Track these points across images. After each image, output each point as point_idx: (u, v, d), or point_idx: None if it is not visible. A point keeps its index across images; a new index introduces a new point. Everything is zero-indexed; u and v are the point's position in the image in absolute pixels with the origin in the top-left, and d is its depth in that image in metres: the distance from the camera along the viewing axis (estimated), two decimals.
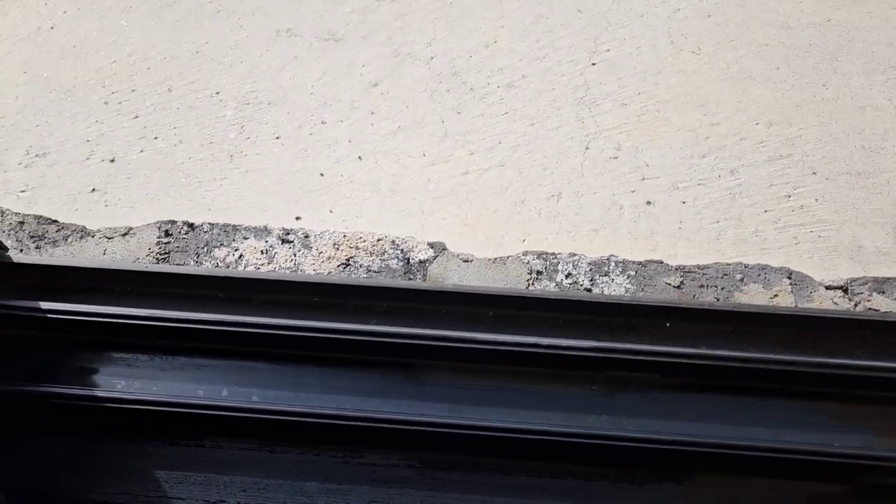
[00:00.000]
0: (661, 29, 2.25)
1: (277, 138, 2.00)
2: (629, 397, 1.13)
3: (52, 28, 2.25)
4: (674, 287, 1.25)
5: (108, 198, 1.86)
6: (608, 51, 2.20)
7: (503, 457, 1.10)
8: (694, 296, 1.24)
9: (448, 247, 1.28)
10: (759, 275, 1.38)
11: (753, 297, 1.30)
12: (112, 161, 1.94)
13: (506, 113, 2.07)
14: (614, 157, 1.97)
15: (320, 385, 1.13)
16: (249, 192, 1.89)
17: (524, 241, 1.82)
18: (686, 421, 1.09)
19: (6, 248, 1.14)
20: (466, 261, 1.27)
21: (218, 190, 1.89)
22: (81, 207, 1.85)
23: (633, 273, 1.27)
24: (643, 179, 1.92)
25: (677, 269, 1.27)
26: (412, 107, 2.08)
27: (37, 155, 1.95)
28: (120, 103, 2.07)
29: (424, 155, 1.98)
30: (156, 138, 1.99)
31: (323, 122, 2.04)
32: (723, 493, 1.11)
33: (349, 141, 2.00)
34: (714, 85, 2.10)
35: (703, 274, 1.35)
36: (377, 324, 1.15)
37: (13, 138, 1.99)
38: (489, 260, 1.27)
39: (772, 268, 1.42)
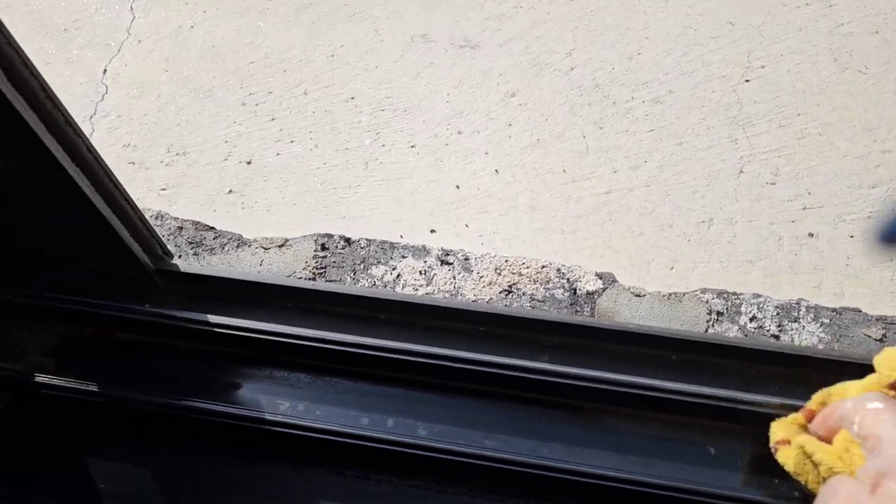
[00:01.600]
0: (822, 45, 2.08)
1: (412, 147, 1.95)
2: None
3: (192, 27, 2.28)
4: (874, 340, 1.12)
5: (244, 200, 1.86)
6: (763, 67, 2.05)
7: None
8: None
9: (618, 279, 1.19)
10: None
11: None
12: (249, 163, 1.94)
13: (651, 130, 1.95)
14: (772, 183, 1.82)
15: (488, 422, 1.06)
16: (384, 201, 1.85)
17: (672, 268, 1.71)
18: None
19: (171, 255, 1.11)
20: (638, 295, 1.17)
21: (352, 197, 1.86)
22: (219, 209, 1.85)
23: (826, 321, 1.15)
24: (804, 209, 1.77)
25: (878, 319, 1.14)
26: (551, 119, 1.99)
27: (177, 154, 1.96)
28: (257, 105, 2.07)
29: (564, 171, 1.89)
30: (291, 142, 1.98)
31: (459, 132, 1.97)
32: None
33: (486, 153, 1.93)
34: (885, 108, 1.93)
35: None
36: (548, 361, 1.06)
37: (155, 136, 2.01)
38: (663, 296, 1.17)
39: None
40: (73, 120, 0.90)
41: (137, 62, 2.20)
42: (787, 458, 0.82)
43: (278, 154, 1.95)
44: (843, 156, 1.85)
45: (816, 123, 1.92)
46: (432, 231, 1.77)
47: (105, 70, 2.18)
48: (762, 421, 1.07)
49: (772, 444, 0.88)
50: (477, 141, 1.95)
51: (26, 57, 0.75)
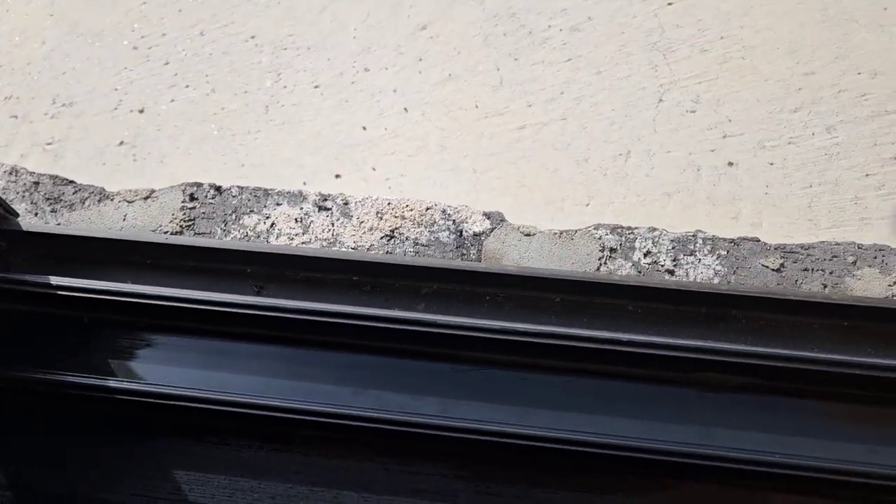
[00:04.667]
0: None
1: (316, 87, 1.84)
2: (720, 404, 0.96)
3: None
4: (772, 270, 1.06)
5: (136, 151, 1.74)
6: None
7: (569, 471, 0.95)
8: (797, 281, 1.05)
9: (507, 217, 1.11)
10: (874, 257, 1.18)
11: (868, 283, 1.10)
12: (141, 111, 1.81)
13: (569, 60, 1.86)
14: (692, 111, 1.75)
15: (359, 378, 0.99)
16: (286, 146, 1.74)
17: (588, 204, 1.64)
18: (790, 435, 0.92)
19: (16, 214, 1.01)
20: (528, 234, 1.10)
21: (252, 144, 1.74)
22: (109, 161, 1.73)
23: (723, 252, 1.09)
24: (724, 137, 1.70)
25: (777, 248, 1.08)
26: (464, 52, 1.88)
27: (63, 105, 1.82)
28: (150, 48, 1.92)
29: (477, 106, 1.79)
30: (187, 86, 1.84)
31: (366, 70, 1.86)
32: None
33: (394, 90, 1.82)
34: (809, 28, 1.85)
35: (808, 255, 1.15)
36: (424, 310, 0.99)
37: (39, 86, 1.86)
38: (554, 234, 1.10)
39: (891, 249, 1.21)
40: None
41: (19, 6, 2.03)
42: None
43: (173, 100, 1.82)
44: (765, 80, 1.78)
45: (739, 47, 1.84)
46: (337, 176, 1.68)
47: None
48: (646, 361, 1.02)
49: None
50: (385, 78, 1.84)
51: None
